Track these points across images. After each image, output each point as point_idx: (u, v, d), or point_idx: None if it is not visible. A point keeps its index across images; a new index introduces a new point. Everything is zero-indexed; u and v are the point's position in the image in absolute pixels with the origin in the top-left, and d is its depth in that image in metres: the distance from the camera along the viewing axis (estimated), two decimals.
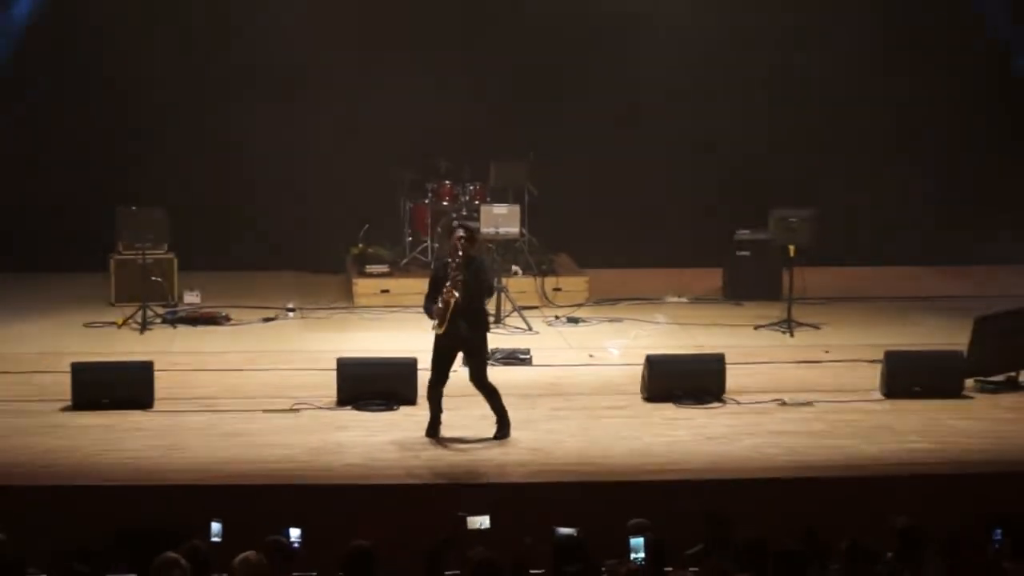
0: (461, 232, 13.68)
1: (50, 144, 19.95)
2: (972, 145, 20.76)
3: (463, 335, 13.52)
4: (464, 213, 18.57)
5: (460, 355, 13.74)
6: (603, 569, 9.58)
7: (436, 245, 18.85)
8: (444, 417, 13.75)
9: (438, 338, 13.59)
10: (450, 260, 13.54)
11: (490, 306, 16.21)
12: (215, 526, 10.37)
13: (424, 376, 14.30)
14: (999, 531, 10.46)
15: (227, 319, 18.02)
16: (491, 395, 13.76)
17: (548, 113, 20.27)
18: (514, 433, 13.76)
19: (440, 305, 13.42)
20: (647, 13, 19.98)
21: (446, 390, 13.77)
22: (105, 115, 19.93)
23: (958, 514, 11.25)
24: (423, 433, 13.74)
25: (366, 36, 19.64)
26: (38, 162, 19.94)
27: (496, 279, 17.35)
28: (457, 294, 13.36)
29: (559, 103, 20.37)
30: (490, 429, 13.75)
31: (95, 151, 19.96)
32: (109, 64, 19.72)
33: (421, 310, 13.71)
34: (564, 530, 10.26)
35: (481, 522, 10.36)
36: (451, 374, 13.78)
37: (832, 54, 20.37)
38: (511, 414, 13.92)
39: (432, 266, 15.67)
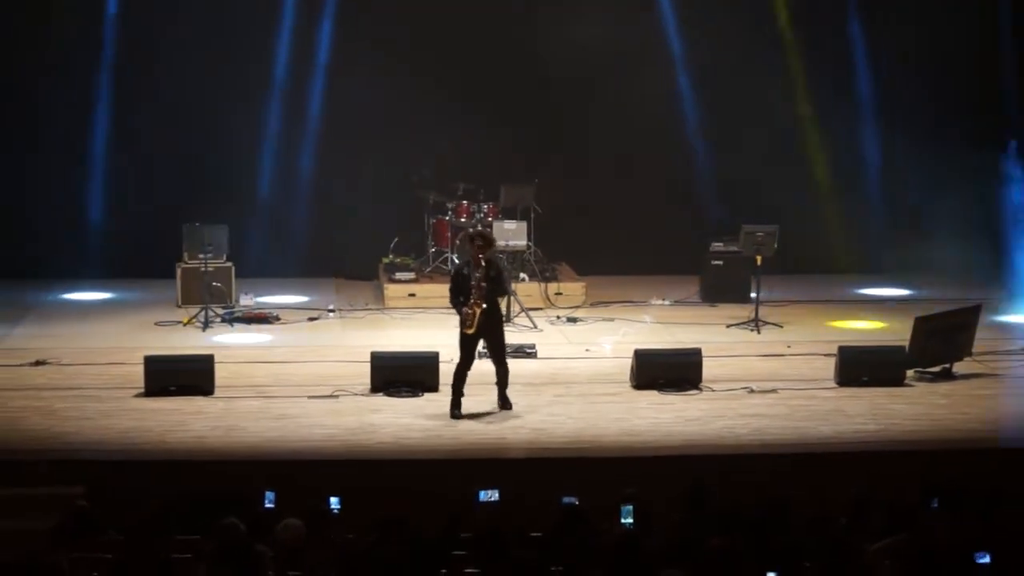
0: (479, 241, 13.83)
1: (127, 172, 19.99)
2: (907, 174, 20.75)
3: (483, 326, 13.66)
4: (479, 228, 18.55)
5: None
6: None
7: (456, 255, 18.87)
8: (463, 401, 13.80)
9: (469, 334, 13.74)
10: (472, 268, 13.65)
11: (501, 306, 16.35)
12: (269, 495, 10.39)
13: (444, 368, 14.39)
14: (935, 500, 10.47)
15: (277, 319, 18.02)
16: (504, 371, 13.91)
17: (551, 144, 20.28)
18: (521, 415, 13.80)
19: (470, 312, 13.57)
20: (633, 57, 20.04)
21: (469, 380, 13.89)
22: (173, 145, 19.99)
23: (900, 485, 11.27)
24: (445, 415, 13.78)
25: (398, 82, 19.66)
26: (115, 187, 19.98)
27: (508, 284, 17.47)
28: (484, 305, 13.57)
29: (560, 136, 20.39)
30: (500, 415, 13.84)
31: (166, 177, 20.00)
32: (175, 101, 19.79)
33: (443, 311, 13.77)
34: (568, 499, 10.28)
35: (491, 495, 10.35)
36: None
37: (789, 95, 20.48)
38: (520, 400, 14.07)
39: (453, 268, 15.74)
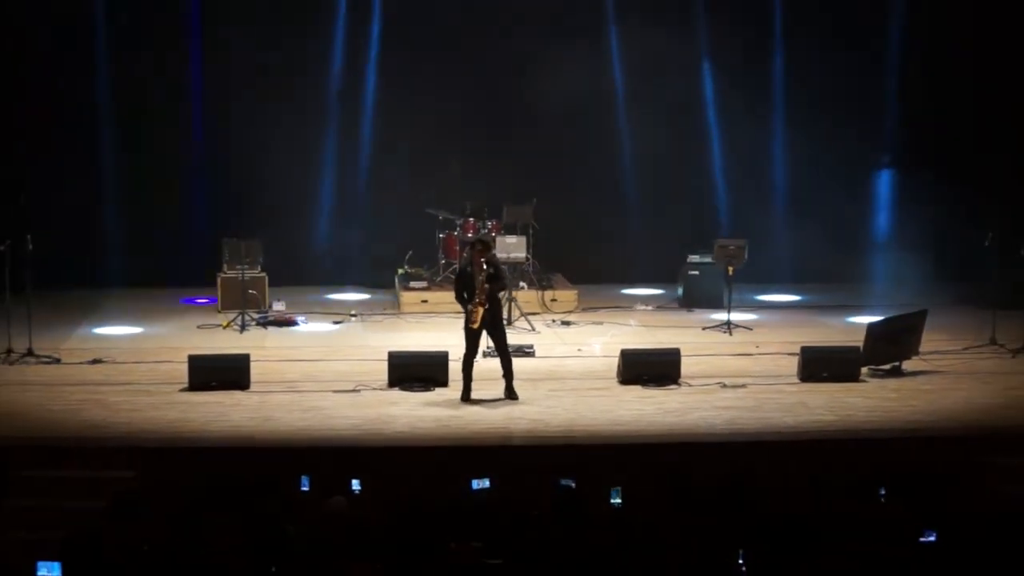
0: (479, 246, 14.08)
1: (175, 196, 20.07)
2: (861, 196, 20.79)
3: (486, 320, 13.78)
4: (475, 237, 18.61)
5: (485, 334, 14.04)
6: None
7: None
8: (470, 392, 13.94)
9: (473, 328, 13.83)
10: (475, 271, 13.77)
11: (503, 301, 16.34)
12: (304, 479, 10.39)
13: (453, 365, 14.39)
14: (883, 489, 10.43)
15: (305, 322, 18.03)
16: (508, 361, 13.97)
17: (548, 169, 20.29)
18: (520, 407, 13.79)
19: (474, 310, 13.74)
20: (621, 92, 20.09)
21: (475, 375, 13.96)
22: (215, 171, 20.09)
23: (856, 469, 11.27)
24: (454, 405, 13.80)
25: (416, 115, 19.74)
26: (166, 209, 20.03)
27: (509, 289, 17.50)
28: (485, 306, 13.71)
29: (557, 162, 20.40)
30: (503, 406, 13.81)
31: (208, 197, 20.07)
32: (221, 136, 19.96)
33: (451, 315, 13.78)
34: (565, 481, 10.27)
35: (483, 483, 10.27)
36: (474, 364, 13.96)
37: (755, 123, 20.53)
38: (520, 394, 14.06)
39: (458, 268, 15.80)
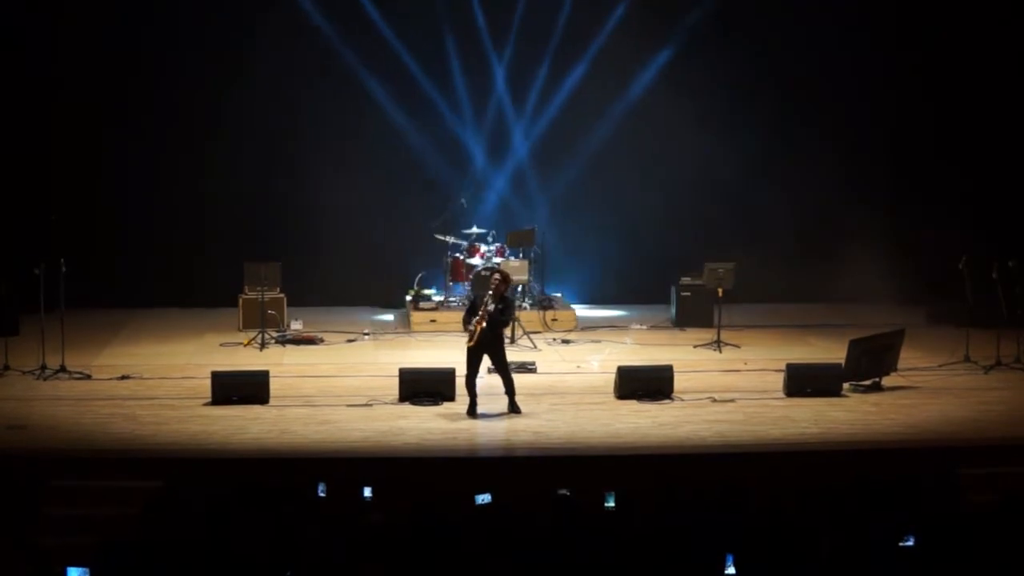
0: (498, 276, 14.16)
1: (198, 221, 20.16)
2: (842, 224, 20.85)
3: (486, 344, 13.78)
4: (488, 266, 18.66)
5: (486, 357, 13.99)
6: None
7: (469, 288, 18.91)
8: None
9: (470, 348, 13.83)
10: (489, 294, 13.86)
11: (507, 330, 16.34)
12: (321, 485, 10.41)
13: (460, 381, 14.39)
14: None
15: (321, 340, 18.03)
16: (508, 380, 14.01)
17: (549, 199, 20.35)
18: (523, 420, 13.79)
19: (472, 328, 13.75)
20: (615, 130, 20.20)
21: (480, 391, 14.00)
22: (234, 200, 20.18)
23: (838, 478, 11.26)
24: (461, 420, 13.79)
25: (426, 143, 19.85)
26: (194, 233, 20.12)
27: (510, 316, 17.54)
28: (484, 324, 13.71)
29: (557, 192, 20.47)
30: (507, 420, 13.84)
31: (231, 223, 20.14)
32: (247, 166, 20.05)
33: (460, 334, 13.78)
34: (561, 491, 10.26)
35: (485, 498, 10.26)
36: (479, 379, 13.97)
37: (741, 156, 20.61)
38: (522, 408, 14.06)
39: (471, 296, 15.87)
